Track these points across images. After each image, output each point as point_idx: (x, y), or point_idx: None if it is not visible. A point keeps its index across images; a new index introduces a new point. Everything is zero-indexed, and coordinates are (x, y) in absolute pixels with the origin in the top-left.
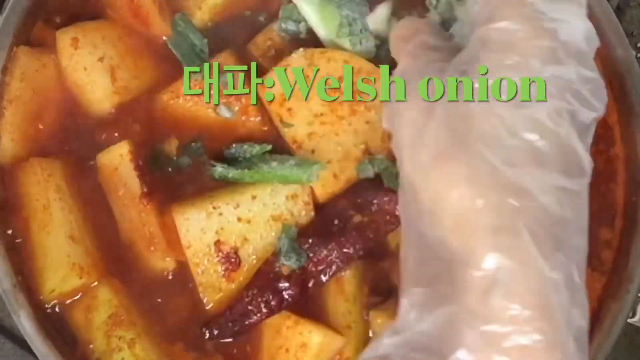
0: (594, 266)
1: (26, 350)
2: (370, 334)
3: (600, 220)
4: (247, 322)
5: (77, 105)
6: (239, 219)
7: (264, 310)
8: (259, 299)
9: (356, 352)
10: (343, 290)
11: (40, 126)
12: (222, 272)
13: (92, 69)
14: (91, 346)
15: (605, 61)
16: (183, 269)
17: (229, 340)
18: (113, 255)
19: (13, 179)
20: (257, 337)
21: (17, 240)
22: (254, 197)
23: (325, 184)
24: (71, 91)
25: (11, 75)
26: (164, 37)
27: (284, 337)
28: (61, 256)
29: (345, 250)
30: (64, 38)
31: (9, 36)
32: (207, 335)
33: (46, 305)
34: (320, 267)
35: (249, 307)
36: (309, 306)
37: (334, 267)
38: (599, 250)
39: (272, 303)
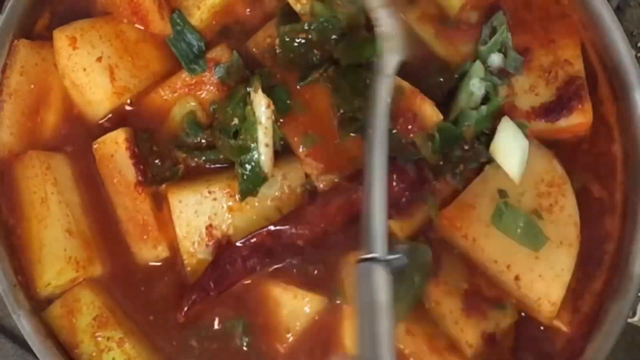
0: (594, 266)
1: (26, 350)
2: None
3: (600, 220)
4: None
5: (76, 104)
6: (233, 206)
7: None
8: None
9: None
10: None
11: (39, 120)
12: (212, 257)
13: (91, 69)
14: (76, 350)
15: (606, 61)
16: (175, 259)
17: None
18: (107, 247)
19: (11, 172)
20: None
21: (13, 233)
22: None
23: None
24: (70, 91)
25: (11, 69)
26: (163, 35)
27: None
28: (58, 250)
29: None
30: (61, 37)
31: (9, 34)
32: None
33: (42, 297)
34: (277, 243)
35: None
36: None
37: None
38: (598, 250)
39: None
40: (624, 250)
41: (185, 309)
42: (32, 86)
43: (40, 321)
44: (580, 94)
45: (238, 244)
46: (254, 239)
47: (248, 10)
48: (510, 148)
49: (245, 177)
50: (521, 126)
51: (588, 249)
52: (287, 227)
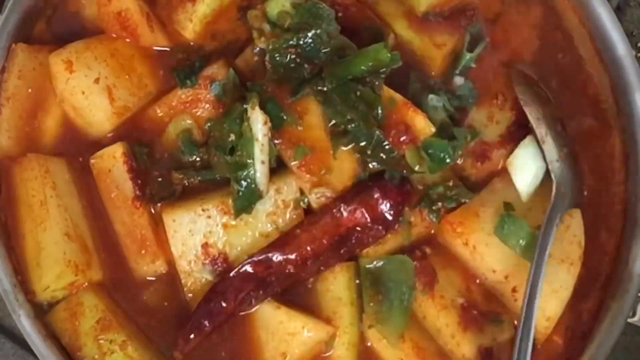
0: (594, 266)
1: (26, 350)
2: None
3: (600, 220)
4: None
5: (76, 126)
6: (227, 223)
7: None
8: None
9: (347, 350)
10: (329, 289)
11: (37, 124)
12: (209, 276)
13: (89, 91)
14: (79, 353)
15: (606, 61)
16: (173, 274)
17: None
18: (106, 254)
19: (9, 176)
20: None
21: (12, 236)
22: None
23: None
24: (70, 114)
25: (9, 73)
26: (155, 48)
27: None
28: (57, 253)
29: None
30: (57, 62)
31: (8, 37)
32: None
33: (41, 300)
34: (268, 272)
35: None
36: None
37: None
38: (599, 250)
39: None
40: (624, 250)
41: (183, 347)
42: (30, 90)
43: (41, 322)
44: None
45: (232, 274)
46: (244, 269)
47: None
48: (526, 166)
49: (240, 193)
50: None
51: (588, 249)
52: (274, 253)
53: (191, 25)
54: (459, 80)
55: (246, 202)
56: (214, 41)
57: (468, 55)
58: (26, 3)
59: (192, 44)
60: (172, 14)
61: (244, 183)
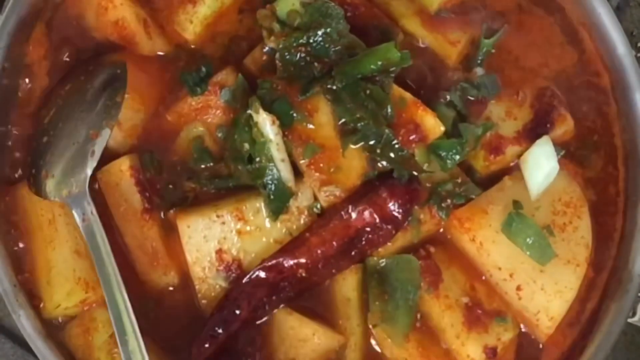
0: (594, 266)
1: (26, 350)
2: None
3: (600, 220)
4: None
5: None
6: (241, 230)
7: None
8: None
9: (354, 352)
10: (338, 290)
11: None
12: (223, 282)
13: None
14: None
15: (606, 61)
16: (186, 284)
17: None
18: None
19: (18, 196)
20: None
21: (19, 248)
22: (258, 211)
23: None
24: None
25: None
26: (158, 53)
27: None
28: (67, 270)
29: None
30: None
31: (8, 37)
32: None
33: (52, 321)
34: (280, 278)
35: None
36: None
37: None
38: (599, 250)
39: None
40: (624, 251)
41: (197, 356)
42: None
43: (41, 322)
44: (554, 104)
45: (244, 280)
46: (255, 275)
47: (243, 21)
48: (540, 165)
49: (271, 197)
50: (557, 150)
51: (590, 247)
52: (285, 258)
53: (191, 26)
54: (480, 71)
55: (280, 203)
56: (214, 43)
57: (486, 42)
58: (26, 3)
59: (192, 46)
60: (172, 15)
61: (271, 186)
